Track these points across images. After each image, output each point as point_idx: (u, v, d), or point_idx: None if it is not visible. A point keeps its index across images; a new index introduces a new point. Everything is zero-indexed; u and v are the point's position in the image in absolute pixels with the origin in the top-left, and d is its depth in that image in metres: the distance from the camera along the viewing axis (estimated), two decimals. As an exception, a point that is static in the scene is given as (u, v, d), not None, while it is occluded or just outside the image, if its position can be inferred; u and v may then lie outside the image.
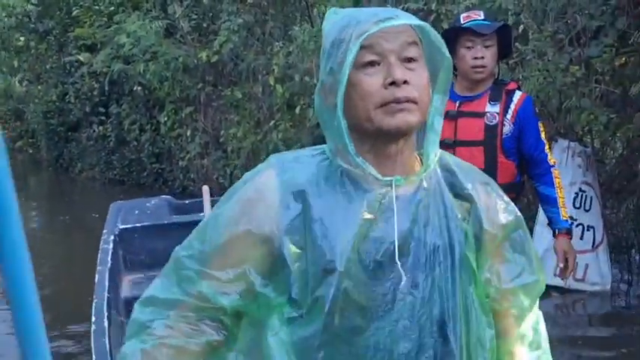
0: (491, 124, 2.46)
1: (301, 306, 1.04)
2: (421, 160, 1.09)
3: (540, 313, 1.22)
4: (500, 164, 2.46)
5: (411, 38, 1.02)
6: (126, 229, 3.79)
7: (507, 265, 1.13)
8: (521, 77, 4.48)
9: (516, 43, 4.51)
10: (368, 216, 1.03)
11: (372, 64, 1.01)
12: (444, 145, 2.58)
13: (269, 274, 1.05)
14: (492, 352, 1.12)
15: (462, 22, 2.51)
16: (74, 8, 10.32)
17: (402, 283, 1.03)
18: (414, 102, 1.01)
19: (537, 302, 1.19)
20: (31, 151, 15.95)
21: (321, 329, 1.03)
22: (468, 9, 4.71)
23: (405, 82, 1.00)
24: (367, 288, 1.03)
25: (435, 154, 1.08)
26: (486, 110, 2.48)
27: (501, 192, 1.16)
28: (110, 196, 10.39)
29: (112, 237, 3.61)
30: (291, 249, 1.03)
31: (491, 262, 1.12)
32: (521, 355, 1.17)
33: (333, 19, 1.06)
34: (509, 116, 2.47)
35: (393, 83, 1.00)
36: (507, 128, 2.46)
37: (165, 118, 9.38)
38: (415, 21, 1.02)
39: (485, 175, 1.17)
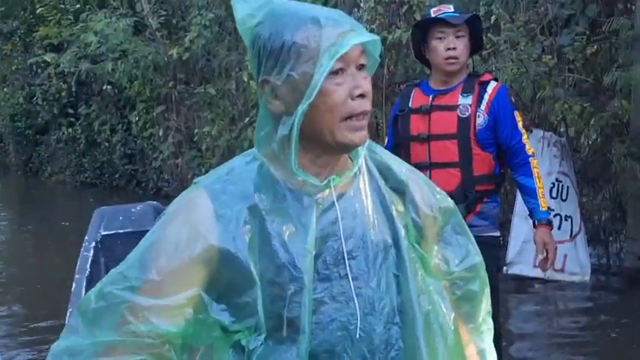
0: (463, 116, 2.41)
1: (267, 331, 0.98)
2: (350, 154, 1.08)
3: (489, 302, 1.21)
4: (476, 156, 2.42)
5: (362, 48, 1.01)
6: (108, 235, 3.69)
7: (452, 248, 1.14)
8: (494, 68, 4.45)
9: (489, 34, 4.48)
10: (315, 223, 1.01)
11: (339, 72, 0.98)
12: (419, 139, 2.56)
13: (226, 297, 0.99)
14: (456, 333, 1.12)
15: (433, 15, 2.47)
16: (38, 6, 10.07)
17: (356, 280, 1.02)
18: (368, 114, 1.01)
19: (487, 289, 1.18)
20: (-1, 155, 15.61)
21: (298, 352, 0.98)
22: (440, 1, 4.69)
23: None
24: (324, 292, 1.01)
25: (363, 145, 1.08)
26: (459, 103, 2.42)
27: (426, 178, 1.17)
28: (82, 200, 10.25)
29: (94, 244, 3.53)
30: (255, 266, 0.99)
31: (437, 248, 1.13)
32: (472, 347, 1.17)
33: (255, 11, 1.02)
34: (482, 107, 2.42)
35: (361, 95, 0.99)
36: (481, 119, 2.41)
37: (137, 118, 9.23)
38: (374, 37, 1.01)
39: (408, 164, 1.17)
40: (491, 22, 4.56)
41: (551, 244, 2.45)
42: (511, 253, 4.48)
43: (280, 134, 0.99)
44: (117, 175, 10.46)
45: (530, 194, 2.44)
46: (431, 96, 2.48)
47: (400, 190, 1.09)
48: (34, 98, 11.56)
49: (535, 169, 2.43)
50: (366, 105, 0.99)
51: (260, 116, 1.04)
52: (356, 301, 1.01)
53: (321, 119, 0.98)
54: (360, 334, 1.01)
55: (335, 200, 1.03)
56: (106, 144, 10.40)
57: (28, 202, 10.77)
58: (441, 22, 2.41)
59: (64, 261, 5.72)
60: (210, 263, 0.97)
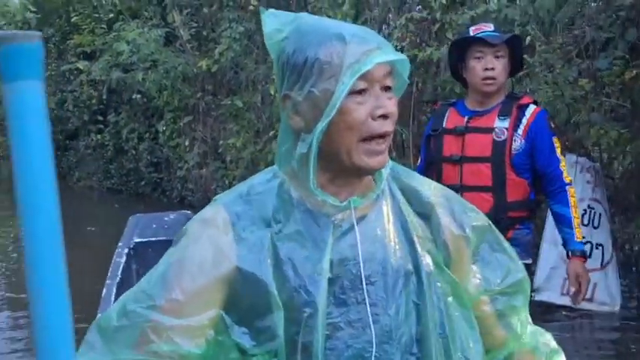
0: (499, 139, 2.34)
1: (286, 357, 0.96)
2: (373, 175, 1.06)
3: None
4: (510, 181, 2.34)
5: (389, 68, 0.98)
6: (141, 242, 3.72)
7: (491, 267, 1.10)
8: (528, 90, 4.37)
9: (524, 55, 4.41)
10: (331, 245, 0.99)
11: (362, 92, 0.96)
12: (451, 161, 2.51)
13: (247, 320, 0.96)
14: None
15: (472, 33, 2.41)
16: (73, 15, 10.25)
17: (374, 306, 0.99)
18: (389, 135, 0.99)
19: (528, 309, 1.15)
20: (29, 159, 15.87)
21: None
22: (472, 19, 4.62)
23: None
24: (340, 318, 0.98)
25: (387, 166, 1.06)
26: (495, 125, 2.36)
27: (460, 198, 1.14)
28: (108, 206, 10.33)
29: (126, 250, 3.55)
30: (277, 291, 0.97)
31: (475, 268, 1.09)
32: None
33: (283, 26, 1.01)
34: (520, 131, 2.35)
35: (383, 116, 0.96)
36: (518, 144, 2.34)
37: (164, 128, 9.29)
38: (401, 56, 0.99)
39: (438, 183, 1.15)
40: (526, 42, 4.48)
41: (584, 277, 2.36)
42: (539, 279, 4.36)
43: (299, 152, 0.98)
44: (142, 183, 10.53)
45: (565, 224, 2.35)
46: (466, 117, 2.42)
47: (425, 213, 1.06)
48: (66, 104, 11.72)
49: (572, 198, 2.35)
50: (387, 126, 0.97)
51: (281, 131, 1.03)
52: (372, 328, 0.97)
53: (340, 139, 0.96)
54: None
55: (355, 222, 1.00)
56: (133, 152, 10.49)
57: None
58: (480, 41, 2.35)
59: (90, 266, 5.74)
60: (232, 285, 0.96)
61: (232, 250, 0.97)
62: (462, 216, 1.08)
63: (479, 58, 2.36)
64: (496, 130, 2.35)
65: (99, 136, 11.31)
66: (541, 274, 4.35)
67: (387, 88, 0.98)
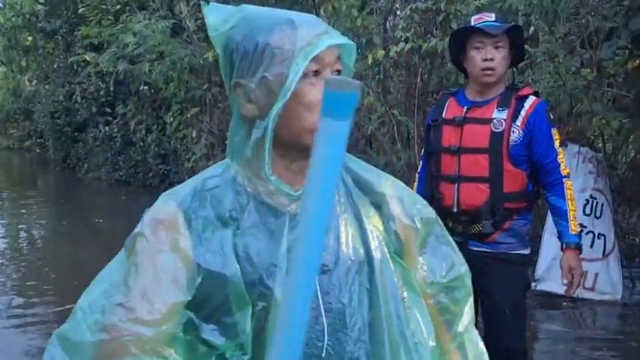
0: (497, 130, 2.34)
1: (249, 349, 0.97)
2: None
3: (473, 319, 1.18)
4: (507, 172, 2.35)
5: (338, 53, 1.00)
6: None
7: (437, 259, 1.12)
8: (530, 80, 4.36)
9: (526, 45, 4.40)
10: (286, 237, 0.99)
11: (314, 74, 0.97)
12: (450, 151, 2.52)
13: (216, 317, 0.97)
14: (435, 350, 1.08)
15: (473, 23, 2.40)
16: (80, 6, 10.28)
17: (327, 295, 0.99)
18: None
19: (472, 299, 1.16)
20: (39, 151, 15.98)
21: None
22: (477, 9, 4.60)
23: None
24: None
25: None
26: (493, 116, 2.36)
27: (409, 189, 1.14)
28: (115, 198, 10.41)
29: None
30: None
31: (421, 259, 1.10)
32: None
33: (228, 17, 1.01)
34: (518, 122, 2.35)
35: None
36: (516, 135, 2.34)
37: (171, 119, 9.33)
38: (348, 40, 1.00)
39: (388, 174, 1.14)
40: (530, 33, 4.47)
41: (577, 270, 2.37)
42: (540, 269, 4.39)
43: (254, 137, 0.97)
44: (150, 175, 10.59)
45: (560, 216, 2.36)
46: (465, 107, 2.43)
47: (377, 202, 1.07)
48: (74, 96, 11.80)
49: (568, 191, 2.34)
50: None
51: (233, 122, 1.03)
52: (323, 317, 0.98)
53: (298, 122, 0.96)
54: (328, 351, 0.98)
55: None
56: (141, 143, 10.55)
57: (65, 198, 10.99)
58: (480, 31, 2.34)
59: (98, 257, 5.82)
60: (199, 287, 0.96)
61: (193, 252, 0.96)
62: (411, 208, 1.09)
63: (478, 48, 2.36)
64: (494, 121, 2.35)
65: (107, 128, 11.39)
66: (542, 264, 4.37)
67: (337, 73, 0.99)
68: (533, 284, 4.06)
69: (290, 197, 1.00)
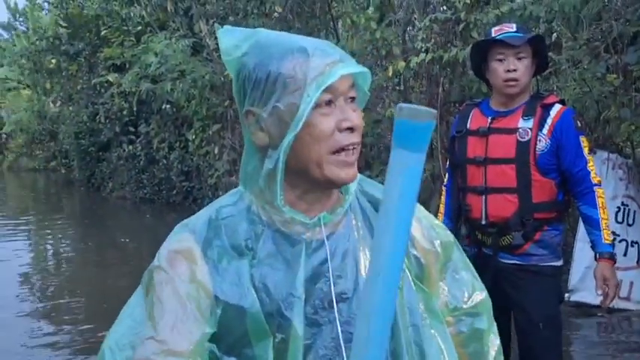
0: (523, 140, 2.30)
1: None
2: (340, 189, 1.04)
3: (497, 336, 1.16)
4: (535, 182, 2.30)
5: (352, 80, 0.97)
6: None
7: (458, 284, 1.10)
8: (555, 87, 4.30)
9: (549, 52, 4.34)
10: (303, 266, 0.97)
11: (327, 104, 0.94)
12: (475, 162, 2.48)
13: (237, 350, 0.95)
14: None
15: (493, 34, 2.37)
16: (103, 29, 10.46)
17: (347, 324, 0.97)
18: (357, 147, 0.97)
19: (495, 327, 1.14)
20: (64, 171, 16.21)
21: None
22: (497, 17, 4.57)
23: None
24: (312, 339, 0.96)
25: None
26: (519, 126, 2.32)
27: (426, 211, 1.11)
28: (140, 216, 10.49)
29: None
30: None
31: (442, 285, 1.09)
32: None
33: (241, 42, 0.99)
34: (545, 131, 2.30)
35: (349, 129, 0.95)
36: (543, 144, 2.30)
37: (194, 136, 9.40)
38: (363, 68, 0.98)
39: None
40: (552, 40, 4.41)
41: (611, 280, 2.30)
42: (574, 279, 4.29)
43: (266, 168, 0.96)
44: (174, 192, 10.67)
45: (592, 225, 2.30)
46: (490, 117, 2.39)
47: None
48: (98, 117, 11.97)
49: (600, 199, 2.28)
50: (354, 138, 0.95)
51: (245, 150, 1.01)
52: (343, 348, 0.95)
53: (308, 152, 0.94)
54: None
55: (325, 239, 0.98)
56: (164, 161, 10.64)
57: (90, 218, 11.10)
58: (501, 42, 2.31)
59: (125, 278, 5.84)
60: (219, 319, 0.95)
61: (211, 284, 0.95)
62: (430, 231, 1.07)
63: (500, 59, 2.32)
64: (520, 130, 2.32)
65: (130, 147, 11.51)
66: (576, 274, 4.28)
67: (351, 99, 0.96)
68: (566, 295, 3.97)
69: (305, 225, 0.98)
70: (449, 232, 1.11)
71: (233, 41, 0.99)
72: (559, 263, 2.39)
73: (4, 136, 20.34)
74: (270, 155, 0.95)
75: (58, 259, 7.95)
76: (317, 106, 0.93)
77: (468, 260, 1.12)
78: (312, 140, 0.93)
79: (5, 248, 7.97)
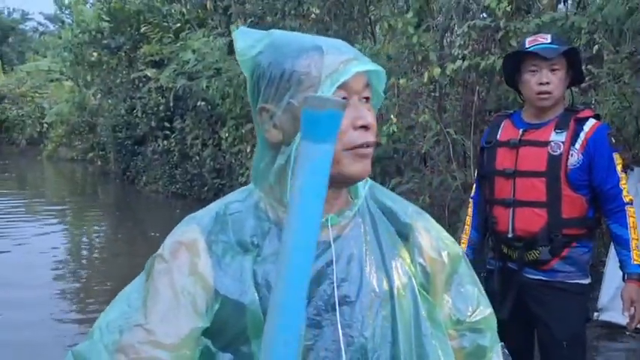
0: (555, 153, 2.25)
1: None
2: (350, 193, 1.04)
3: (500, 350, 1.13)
4: (566, 197, 2.24)
5: (366, 79, 0.98)
6: None
7: (463, 297, 1.08)
8: (594, 101, 4.20)
9: (590, 65, 4.24)
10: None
11: None
12: (504, 175, 2.43)
13: (233, 346, 0.94)
14: None
15: (527, 45, 2.31)
16: (143, 25, 10.62)
17: (349, 328, 0.96)
18: (372, 146, 0.98)
19: (498, 346, 1.11)
20: (100, 163, 16.49)
21: None
22: (538, 26, 4.48)
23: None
24: (313, 340, 0.95)
25: (365, 184, 1.04)
26: (551, 139, 2.27)
27: (437, 225, 1.10)
28: (171, 211, 10.60)
29: None
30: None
31: (447, 297, 1.07)
32: None
33: (256, 42, 0.99)
34: (577, 146, 2.25)
35: (364, 127, 0.95)
36: (575, 159, 2.24)
37: (227, 134, 9.47)
38: (377, 67, 0.98)
39: (416, 206, 1.11)
40: (593, 52, 4.30)
41: (639, 302, 2.23)
42: (603, 298, 4.17)
43: (277, 164, 0.95)
44: (205, 189, 10.75)
45: (622, 245, 2.23)
46: (521, 130, 2.35)
47: (404, 233, 1.04)
48: (135, 111, 12.13)
49: (631, 219, 2.21)
50: (369, 137, 0.95)
51: (258, 147, 1.01)
52: (343, 352, 0.94)
53: None
54: None
55: (331, 240, 0.97)
56: (197, 157, 10.74)
57: (123, 210, 11.28)
58: (535, 54, 2.26)
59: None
60: (217, 313, 0.94)
61: (213, 278, 0.94)
62: (438, 241, 1.06)
63: (533, 71, 2.27)
64: (552, 143, 2.26)
65: (165, 142, 11.64)
66: (606, 293, 4.16)
67: (365, 99, 0.97)
68: (595, 314, 3.86)
69: None
70: (457, 245, 1.10)
71: (248, 42, 1.00)
72: (586, 281, 2.33)
73: (45, 125, 20.82)
74: (283, 151, 0.95)
75: (90, 247, 8.18)
76: None
77: (475, 276, 1.10)
78: None
79: (44, 233, 8.32)
